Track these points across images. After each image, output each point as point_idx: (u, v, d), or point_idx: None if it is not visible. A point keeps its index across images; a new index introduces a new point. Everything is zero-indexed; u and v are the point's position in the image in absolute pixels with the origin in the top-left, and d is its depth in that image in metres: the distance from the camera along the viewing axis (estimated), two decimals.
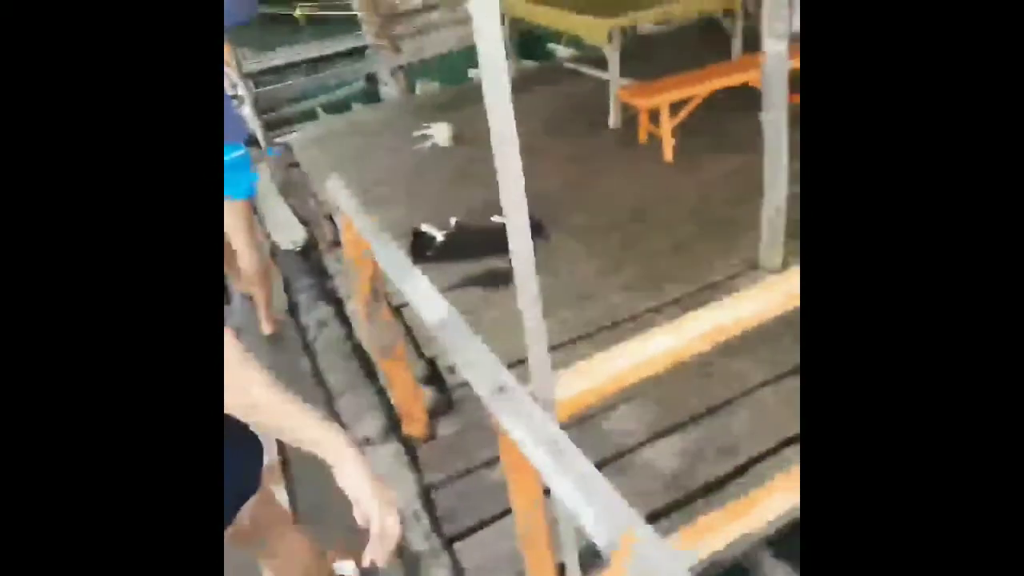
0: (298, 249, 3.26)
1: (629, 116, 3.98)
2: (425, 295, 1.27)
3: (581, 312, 2.48)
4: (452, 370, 2.31)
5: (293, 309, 2.88)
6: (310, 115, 5.91)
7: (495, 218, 3.20)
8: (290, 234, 3.33)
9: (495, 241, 3.16)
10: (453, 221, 3.22)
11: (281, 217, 3.48)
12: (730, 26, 4.13)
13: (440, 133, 4.31)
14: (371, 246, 1.57)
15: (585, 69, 4.87)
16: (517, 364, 2.27)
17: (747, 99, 3.76)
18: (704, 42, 4.98)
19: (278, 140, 4.76)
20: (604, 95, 4.30)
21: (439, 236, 3.04)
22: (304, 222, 3.50)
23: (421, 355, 2.41)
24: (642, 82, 3.72)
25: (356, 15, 7.47)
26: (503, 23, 5.11)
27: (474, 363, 1.00)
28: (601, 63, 4.95)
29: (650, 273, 2.64)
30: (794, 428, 1.85)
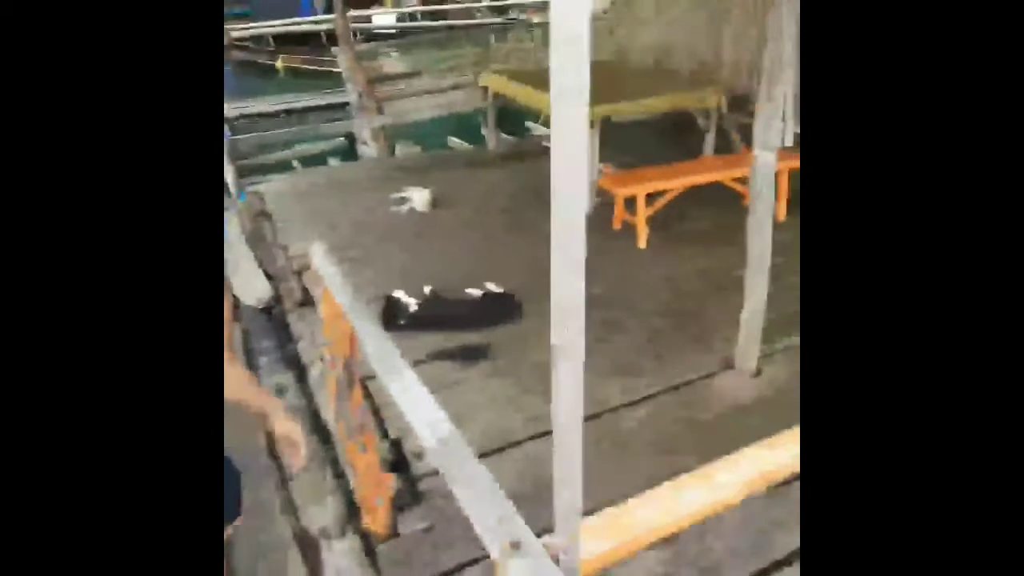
0: (262, 307, 3.11)
1: (603, 201, 4.07)
2: (417, 399, 1.14)
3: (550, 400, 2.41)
4: (419, 456, 2.19)
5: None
6: (285, 166, 5.85)
7: (470, 291, 3.15)
8: (255, 290, 3.19)
9: (470, 315, 3.16)
10: (427, 290, 3.15)
11: (247, 270, 3.34)
12: (704, 123, 4.33)
13: (419, 198, 4.30)
14: (353, 327, 1.48)
15: None
16: (495, 452, 2.18)
17: (717, 195, 3.92)
18: (674, 134, 5.22)
19: (250, 188, 4.66)
20: None
21: (413, 305, 2.96)
22: (270, 277, 3.37)
23: (385, 435, 2.28)
24: (620, 170, 3.83)
25: (337, 71, 7.59)
26: (486, 98, 5.27)
27: (479, 501, 0.87)
28: None
29: (624, 365, 2.61)
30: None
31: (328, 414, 2.34)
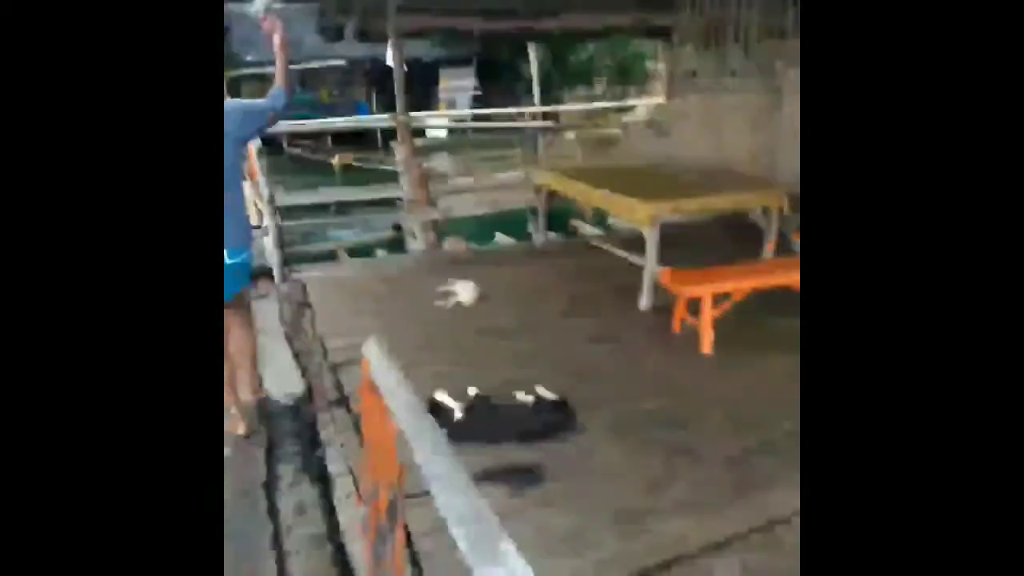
0: (291, 404, 2.86)
1: (659, 303, 3.80)
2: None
3: (624, 543, 2.02)
4: None
5: (269, 485, 2.41)
6: (330, 256, 5.82)
7: (519, 395, 2.84)
8: (286, 384, 2.96)
9: (521, 425, 2.82)
10: (472, 392, 2.85)
11: (281, 363, 3.12)
12: (765, 224, 4.09)
13: (465, 291, 4.11)
14: (414, 450, 1.14)
15: (617, 251, 4.79)
16: None
17: (783, 299, 3.60)
18: (727, 237, 4.98)
19: (293, 276, 4.57)
20: (631, 276, 4.18)
21: (457, 411, 2.66)
22: (305, 372, 3.14)
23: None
24: (682, 269, 3.57)
25: (390, 169, 7.75)
26: (537, 195, 5.19)
27: None
28: (626, 244, 4.94)
29: (702, 497, 2.21)
30: None
31: (355, 548, 1.99)
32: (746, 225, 4.90)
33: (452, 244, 5.70)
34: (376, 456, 1.38)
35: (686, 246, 4.10)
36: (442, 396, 2.82)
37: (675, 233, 4.03)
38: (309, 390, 2.97)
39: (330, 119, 14.08)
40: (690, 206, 3.77)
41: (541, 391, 2.87)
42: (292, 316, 3.81)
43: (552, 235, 5.80)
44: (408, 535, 1.85)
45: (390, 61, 6.07)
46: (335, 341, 3.44)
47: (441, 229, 5.80)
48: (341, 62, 17.07)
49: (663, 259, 3.98)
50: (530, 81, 15.04)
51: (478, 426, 2.59)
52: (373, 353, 1.40)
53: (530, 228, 6.20)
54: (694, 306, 3.40)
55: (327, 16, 5.13)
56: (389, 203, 7.13)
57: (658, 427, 2.63)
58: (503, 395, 2.83)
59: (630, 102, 14.31)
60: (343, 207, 6.86)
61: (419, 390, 2.98)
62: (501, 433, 2.57)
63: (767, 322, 3.51)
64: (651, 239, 3.74)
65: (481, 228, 6.38)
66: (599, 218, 6.31)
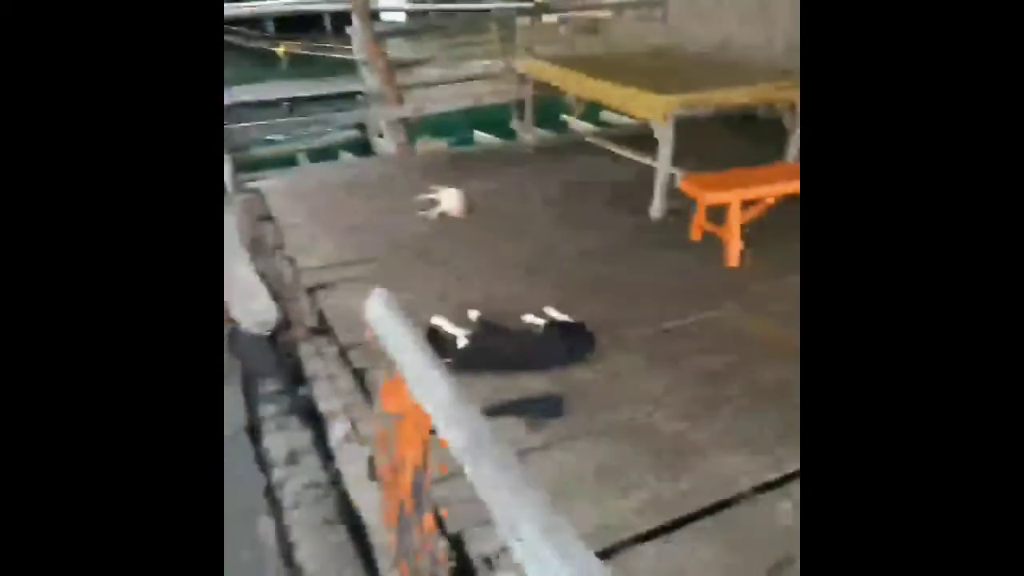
0: (266, 334, 2.45)
1: (672, 208, 3.43)
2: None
3: (674, 484, 1.76)
4: (490, 565, 1.54)
5: (253, 429, 2.05)
6: (290, 160, 5.18)
7: (528, 318, 2.50)
8: (257, 312, 2.53)
9: (534, 351, 2.48)
10: (474, 315, 2.50)
11: (247, 286, 2.67)
12: (790, 121, 3.69)
13: (451, 201, 3.65)
14: (448, 441, 0.82)
15: (622, 151, 4.34)
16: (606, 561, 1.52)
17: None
18: (738, 135, 4.59)
19: (249, 185, 4.00)
20: (637, 179, 3.78)
21: (461, 338, 2.31)
22: (276, 296, 2.71)
23: (442, 530, 1.63)
24: (701, 173, 3.18)
25: (347, 59, 6.90)
26: (522, 87, 4.61)
27: None
28: (625, 141, 4.49)
29: (752, 428, 1.96)
30: None
31: (361, 497, 1.68)
32: (756, 122, 4.48)
33: (426, 145, 5.13)
34: (394, 431, 1.03)
35: (690, 145, 3.68)
36: (440, 321, 2.45)
37: (688, 129, 3.58)
38: (285, 318, 2.55)
39: (269, 1, 12.52)
40: (709, 99, 3.32)
41: (552, 312, 2.53)
42: (253, 233, 3.31)
43: (540, 132, 5.28)
44: (440, 521, 1.53)
45: None
46: (307, 261, 2.99)
47: (412, 128, 5.19)
48: None
49: (676, 162, 3.58)
50: None
51: (485, 353, 2.25)
52: (378, 311, 0.99)
53: (513, 125, 5.64)
54: (714, 214, 3.05)
55: None
56: (348, 97, 6.39)
57: (687, 350, 2.35)
58: (509, 318, 2.48)
59: None
60: (296, 104, 6.09)
61: (411, 316, 2.60)
62: (512, 360, 2.24)
63: (796, 235, 3.20)
64: (665, 137, 3.31)
65: (457, 125, 5.77)
66: (591, 112, 5.77)
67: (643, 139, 3.97)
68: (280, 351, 2.40)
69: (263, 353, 2.33)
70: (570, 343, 2.31)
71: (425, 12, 12.54)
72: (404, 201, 3.72)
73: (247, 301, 2.55)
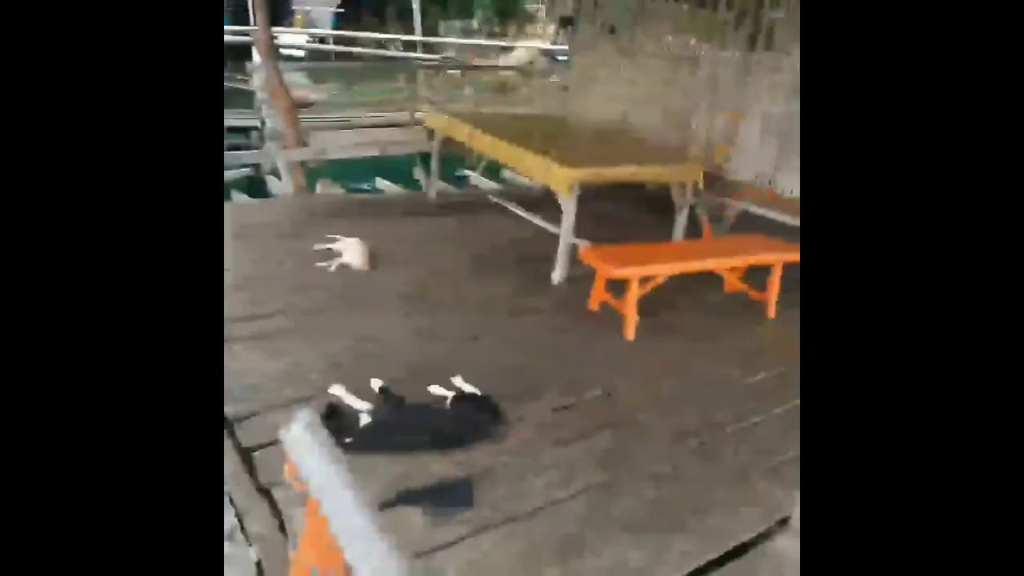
0: None
1: (572, 275, 3.54)
2: None
3: (571, 572, 1.74)
4: None
5: None
6: None
7: (434, 389, 2.43)
8: None
9: (440, 430, 2.32)
10: (376, 386, 2.39)
11: None
12: (680, 201, 3.95)
13: (352, 252, 3.52)
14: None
15: (526, 215, 4.41)
16: None
17: (700, 281, 3.52)
18: (627, 205, 4.84)
19: None
20: (537, 240, 3.88)
21: (364, 414, 2.18)
22: None
23: None
24: (603, 246, 3.32)
25: (242, 90, 6.59)
26: (431, 139, 4.63)
27: None
28: (526, 201, 4.59)
29: (652, 515, 2.00)
30: None
31: None
32: (647, 195, 4.76)
33: (325, 188, 4.96)
34: (316, 542, 0.92)
35: (585, 211, 3.84)
36: (339, 391, 2.32)
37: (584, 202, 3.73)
38: None
39: None
40: (611, 174, 3.50)
41: (458, 383, 2.48)
42: None
43: (442, 185, 5.29)
44: None
45: None
46: None
47: (312, 169, 5.01)
48: None
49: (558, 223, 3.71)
50: (402, 5, 13.75)
51: (391, 433, 2.15)
52: (298, 441, 0.91)
53: (416, 174, 5.62)
54: (612, 283, 3.18)
55: None
56: (243, 132, 6.07)
57: (592, 425, 2.38)
58: (413, 388, 2.40)
59: (515, 43, 13.71)
60: None
61: (307, 376, 2.42)
62: (417, 438, 2.15)
63: (687, 306, 3.40)
64: (569, 208, 3.43)
65: (357, 170, 5.64)
66: (491, 167, 5.88)
67: (544, 201, 4.10)
68: None
69: None
70: (478, 418, 2.26)
71: (328, 55, 12.31)
72: (302, 250, 3.54)
73: None
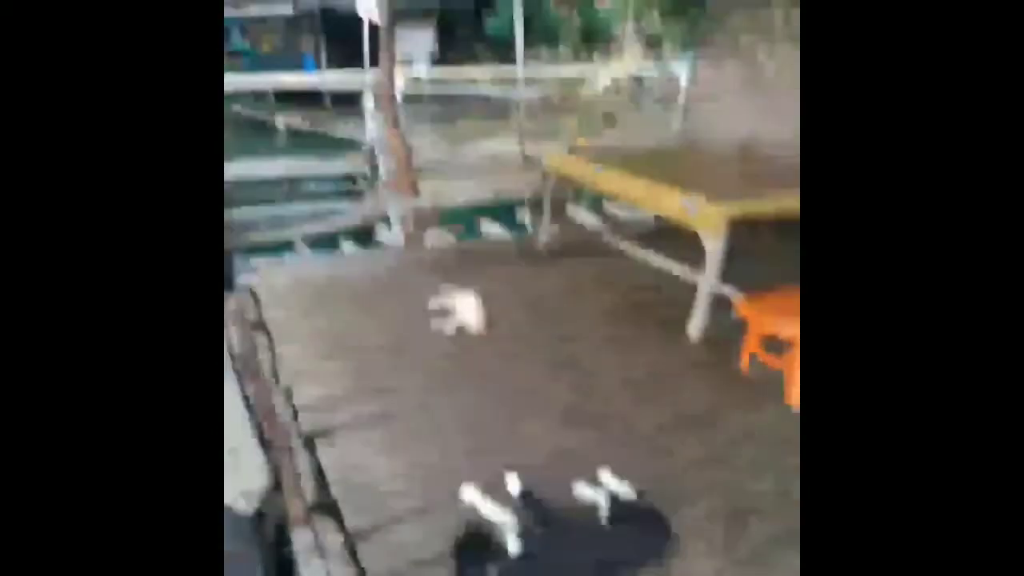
0: (251, 512, 1.93)
1: (710, 334, 3.05)
2: None
3: None
4: None
5: None
6: (286, 246, 4.76)
7: (581, 490, 2.01)
8: (244, 475, 2.02)
9: (602, 552, 1.68)
10: (514, 486, 2.01)
11: (237, 434, 2.17)
12: None
13: (467, 311, 3.22)
14: None
15: (652, 258, 3.95)
16: None
17: None
18: (763, 235, 4.25)
19: (244, 279, 3.56)
20: (654, 280, 3.51)
21: (510, 534, 1.78)
22: (266, 443, 2.21)
23: None
24: (760, 293, 2.80)
25: (345, 136, 6.63)
26: (546, 178, 4.30)
27: None
28: (643, 240, 4.12)
29: None
30: None
31: None
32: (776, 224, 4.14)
33: (434, 236, 4.75)
34: None
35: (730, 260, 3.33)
36: (473, 495, 1.96)
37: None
38: (276, 479, 2.04)
39: (281, 75, 12.37)
40: (771, 207, 2.97)
41: (608, 478, 2.06)
42: (244, 346, 2.84)
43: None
44: None
45: (363, 12, 4.96)
46: (306, 389, 2.51)
47: (420, 216, 4.84)
48: (287, 10, 15.23)
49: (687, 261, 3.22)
50: (493, 39, 13.75)
51: (546, 567, 1.73)
52: None
53: (522, 218, 5.33)
54: (776, 345, 2.65)
55: None
56: (350, 179, 6.07)
57: (764, 539, 1.87)
58: (555, 486, 2.01)
59: (602, 67, 13.33)
60: (296, 184, 5.74)
61: (433, 481, 2.01)
62: (577, 567, 1.74)
63: None
64: (715, 249, 2.94)
65: (461, 212, 5.44)
66: (594, 200, 5.48)
67: (662, 235, 3.64)
68: (265, 540, 1.87)
69: (241, 546, 1.81)
70: (642, 535, 1.83)
71: (420, 96, 12.47)
72: (416, 308, 3.29)
73: (235, 459, 2.05)
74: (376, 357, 2.84)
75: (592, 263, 4.08)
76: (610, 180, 3.53)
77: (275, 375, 2.61)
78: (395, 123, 4.29)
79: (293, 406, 2.38)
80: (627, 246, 4.20)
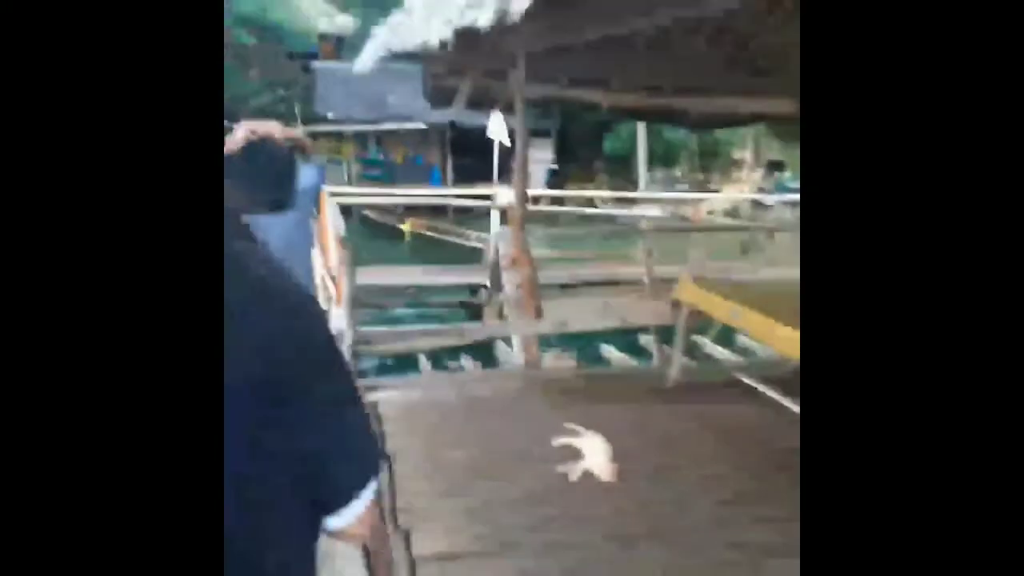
0: None
1: None
2: None
3: None
4: None
5: None
6: (408, 362, 4.81)
7: None
8: None
9: None
10: None
11: None
12: None
13: (595, 455, 2.95)
14: None
15: (794, 406, 3.56)
16: None
17: None
18: None
19: (368, 396, 3.56)
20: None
21: None
22: None
23: None
24: None
25: (467, 244, 6.83)
26: (677, 308, 4.09)
27: None
28: (782, 381, 3.72)
29: None
30: None
31: None
32: None
33: (555, 359, 4.62)
34: None
35: None
36: None
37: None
38: None
39: (419, 191, 13.43)
40: None
41: None
42: None
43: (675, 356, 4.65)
44: None
45: (493, 131, 5.24)
46: (426, 542, 2.34)
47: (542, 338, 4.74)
48: (420, 124, 16.74)
49: None
50: (611, 158, 14.24)
51: None
52: None
53: (645, 343, 5.09)
54: None
55: (438, 77, 4.31)
56: (471, 290, 6.19)
57: None
58: None
59: (720, 190, 13.28)
60: (421, 293, 5.92)
61: None
62: None
63: None
64: None
65: (583, 335, 5.30)
66: (724, 332, 5.15)
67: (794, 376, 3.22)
68: None
69: None
70: None
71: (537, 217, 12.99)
72: (539, 441, 3.08)
73: None
74: (486, 504, 2.64)
75: (727, 409, 3.72)
76: (751, 323, 3.26)
77: (394, 521, 2.46)
78: (523, 244, 4.34)
79: (411, 558, 2.21)
80: (769, 390, 3.82)
